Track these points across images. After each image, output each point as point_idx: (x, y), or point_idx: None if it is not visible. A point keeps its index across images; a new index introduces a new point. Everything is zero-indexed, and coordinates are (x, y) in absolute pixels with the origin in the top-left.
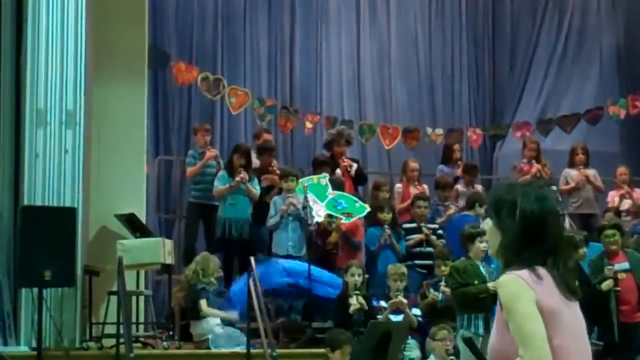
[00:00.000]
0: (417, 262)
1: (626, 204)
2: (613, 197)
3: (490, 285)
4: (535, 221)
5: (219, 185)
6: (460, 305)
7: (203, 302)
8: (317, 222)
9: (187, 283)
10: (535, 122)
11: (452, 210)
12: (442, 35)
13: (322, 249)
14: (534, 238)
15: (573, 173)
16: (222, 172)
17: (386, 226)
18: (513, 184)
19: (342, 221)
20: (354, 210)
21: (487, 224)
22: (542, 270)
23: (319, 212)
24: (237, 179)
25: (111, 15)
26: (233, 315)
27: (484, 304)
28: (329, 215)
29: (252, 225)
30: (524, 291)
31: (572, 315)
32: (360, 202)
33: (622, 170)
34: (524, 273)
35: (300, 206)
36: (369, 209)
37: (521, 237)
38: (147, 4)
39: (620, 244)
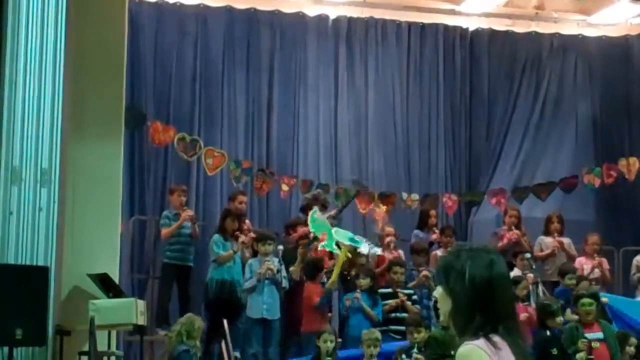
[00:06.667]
0: (392, 327)
1: (596, 272)
2: (582, 263)
3: None
4: (484, 287)
5: (220, 251)
6: None
7: None
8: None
9: (170, 345)
10: (510, 189)
11: (425, 274)
12: (419, 101)
13: (295, 312)
14: (484, 304)
15: (548, 240)
16: (217, 237)
17: (358, 290)
18: (461, 250)
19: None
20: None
21: (438, 291)
22: (497, 338)
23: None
24: (242, 240)
25: (88, 74)
26: None
27: None
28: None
29: None
30: None
31: None
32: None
33: (594, 239)
34: (481, 342)
35: (276, 270)
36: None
37: (471, 303)
38: (125, 64)
39: (596, 313)
